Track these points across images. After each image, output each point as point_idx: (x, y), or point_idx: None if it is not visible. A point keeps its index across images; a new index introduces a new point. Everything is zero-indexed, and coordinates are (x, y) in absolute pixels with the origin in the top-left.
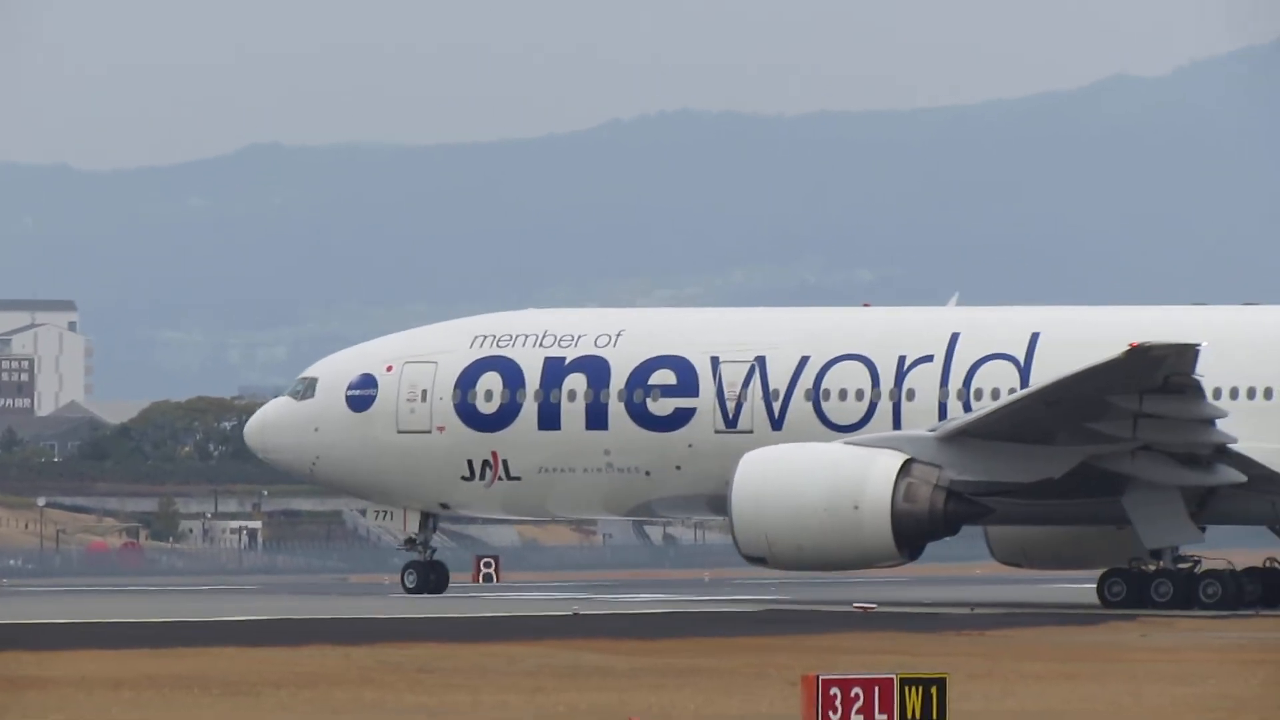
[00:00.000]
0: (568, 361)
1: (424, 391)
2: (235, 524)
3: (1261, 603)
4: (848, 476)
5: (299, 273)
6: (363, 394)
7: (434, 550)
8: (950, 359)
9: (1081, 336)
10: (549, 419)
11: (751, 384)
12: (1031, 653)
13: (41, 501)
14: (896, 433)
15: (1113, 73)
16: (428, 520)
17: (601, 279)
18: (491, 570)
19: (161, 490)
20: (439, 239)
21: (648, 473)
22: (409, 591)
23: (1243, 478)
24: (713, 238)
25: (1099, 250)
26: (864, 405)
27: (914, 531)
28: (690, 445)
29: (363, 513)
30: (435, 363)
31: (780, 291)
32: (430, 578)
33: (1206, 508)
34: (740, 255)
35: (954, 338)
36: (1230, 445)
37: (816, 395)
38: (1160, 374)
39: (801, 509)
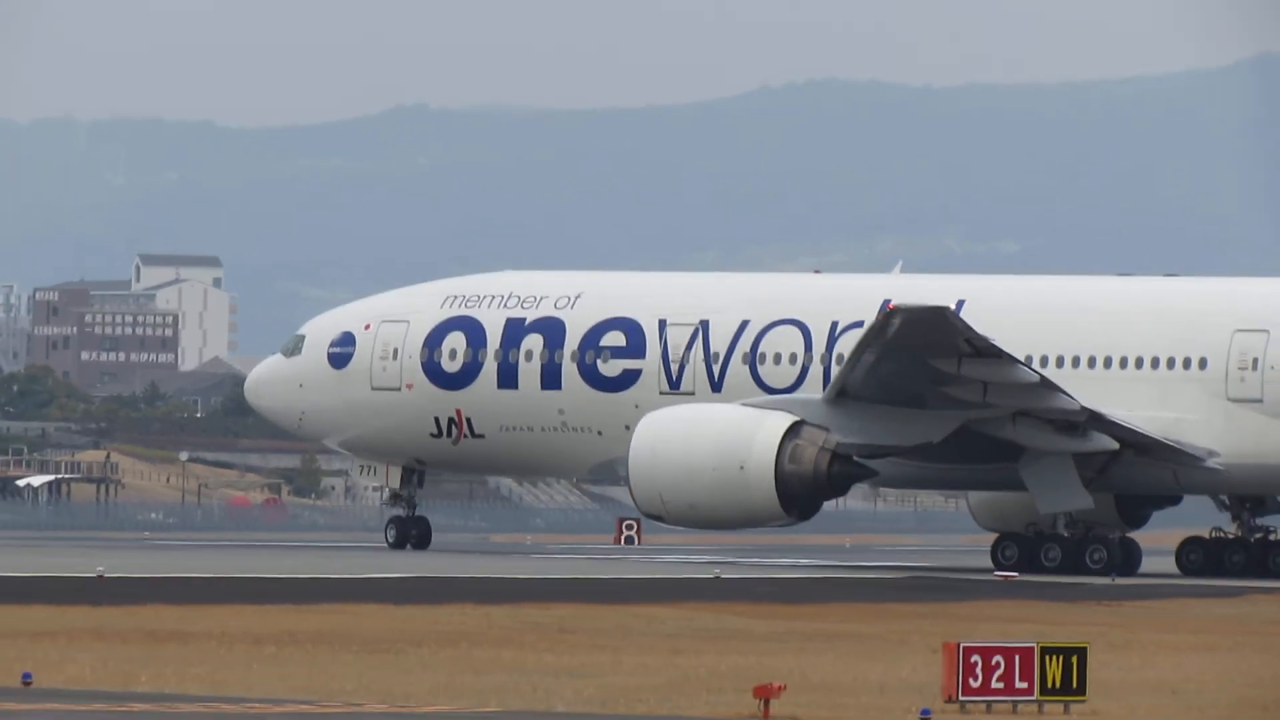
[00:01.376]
0: (528, 322)
1: (395, 350)
2: (377, 482)
3: (1204, 571)
4: (736, 437)
5: (443, 233)
6: (342, 351)
7: (415, 505)
8: None
9: (1004, 303)
10: (507, 378)
11: (694, 347)
12: (1170, 624)
13: (184, 456)
14: (790, 395)
15: (1261, 50)
16: (411, 476)
17: (747, 245)
18: (634, 532)
19: (304, 447)
20: (585, 203)
21: (600, 432)
22: (391, 547)
23: (1115, 445)
24: (858, 206)
25: (1239, 226)
26: (797, 369)
27: (799, 492)
28: (637, 406)
29: (360, 468)
30: (408, 322)
31: (924, 261)
32: (412, 533)
33: (1107, 474)
34: (886, 224)
35: (885, 304)
36: (1107, 413)
37: (753, 358)
38: (959, 337)
39: (692, 468)
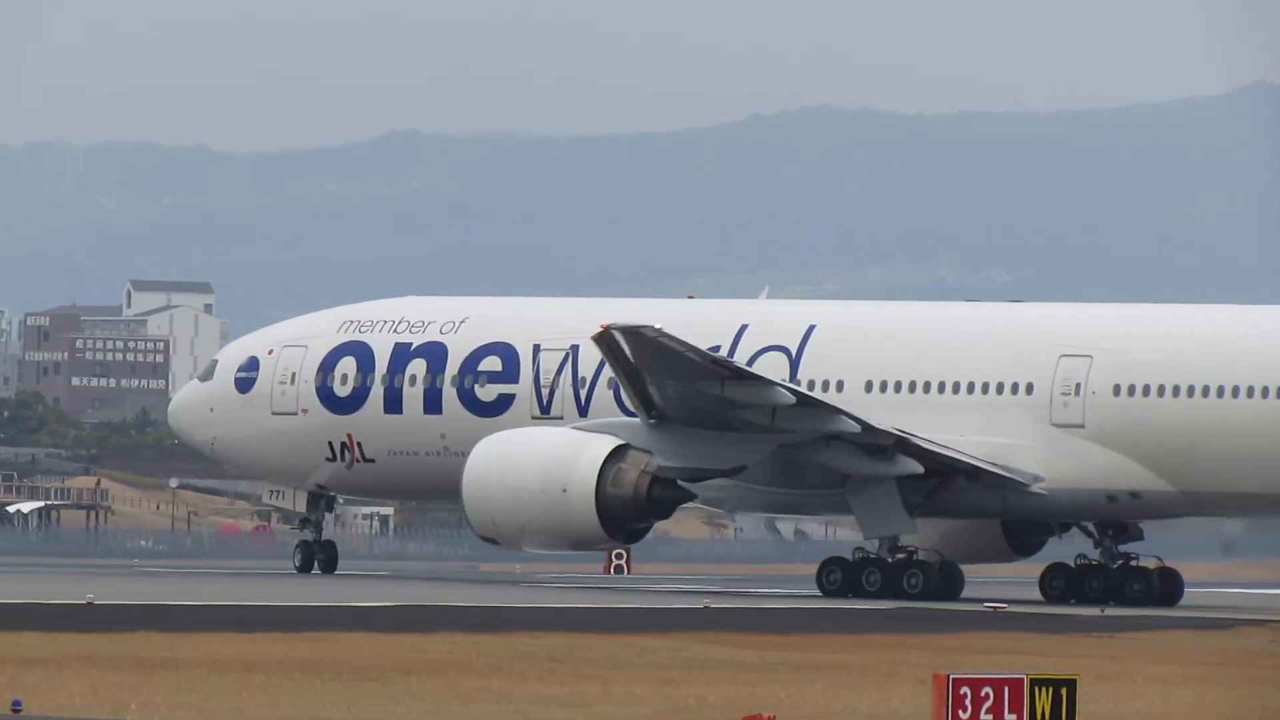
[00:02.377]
0: (413, 347)
1: (294, 374)
2: (367, 510)
3: (1066, 597)
4: (560, 460)
5: (435, 259)
6: (247, 376)
7: (323, 529)
8: (735, 349)
9: (852, 328)
10: (393, 403)
11: (564, 371)
12: (1160, 656)
13: (174, 483)
14: (618, 419)
15: (1254, 80)
16: (318, 500)
17: (738, 272)
18: (623, 562)
19: None
20: (576, 229)
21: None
22: (297, 570)
23: (920, 468)
24: (851, 234)
25: (1235, 253)
26: None
27: (621, 515)
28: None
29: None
30: (306, 346)
31: (917, 290)
32: (319, 556)
33: (937, 500)
34: (878, 253)
35: (742, 329)
36: (922, 437)
37: (617, 383)
38: (677, 355)
39: (519, 491)
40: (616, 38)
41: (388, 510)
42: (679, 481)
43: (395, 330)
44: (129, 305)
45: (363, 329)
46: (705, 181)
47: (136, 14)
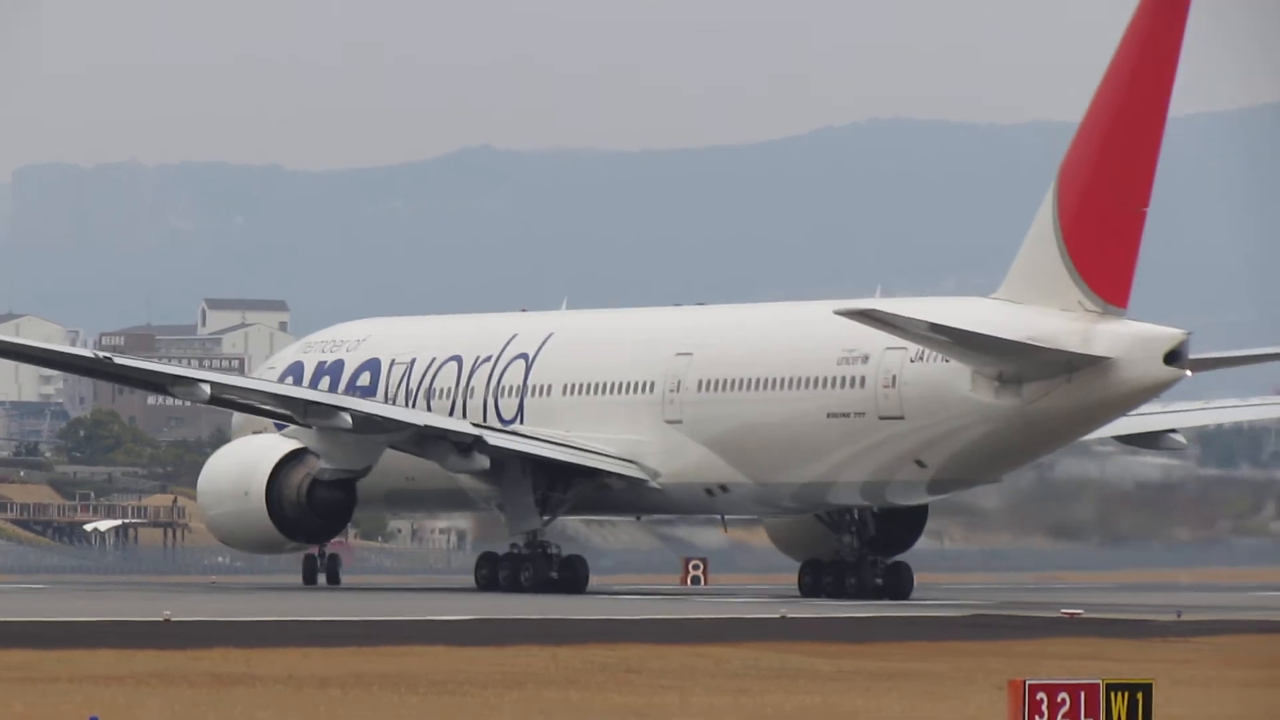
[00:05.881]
0: (326, 365)
1: None
2: (444, 524)
3: (813, 593)
4: (245, 465)
5: (507, 276)
6: None
7: (322, 544)
8: (499, 359)
9: (569, 337)
10: None
11: (403, 384)
12: (1237, 660)
13: None
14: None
15: None
16: None
17: (808, 286)
18: (700, 572)
19: None
20: (649, 244)
21: (368, 468)
22: (304, 584)
23: (486, 464)
24: (922, 247)
25: None
26: (447, 404)
27: (293, 517)
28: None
29: None
30: (274, 367)
31: None
32: (320, 571)
33: (584, 499)
34: (950, 265)
35: (511, 339)
36: (496, 433)
37: (430, 394)
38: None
39: (220, 495)
40: (684, 50)
41: (464, 524)
42: (330, 482)
43: (324, 350)
44: (204, 324)
45: (307, 349)
46: (778, 194)
47: (212, 42)
